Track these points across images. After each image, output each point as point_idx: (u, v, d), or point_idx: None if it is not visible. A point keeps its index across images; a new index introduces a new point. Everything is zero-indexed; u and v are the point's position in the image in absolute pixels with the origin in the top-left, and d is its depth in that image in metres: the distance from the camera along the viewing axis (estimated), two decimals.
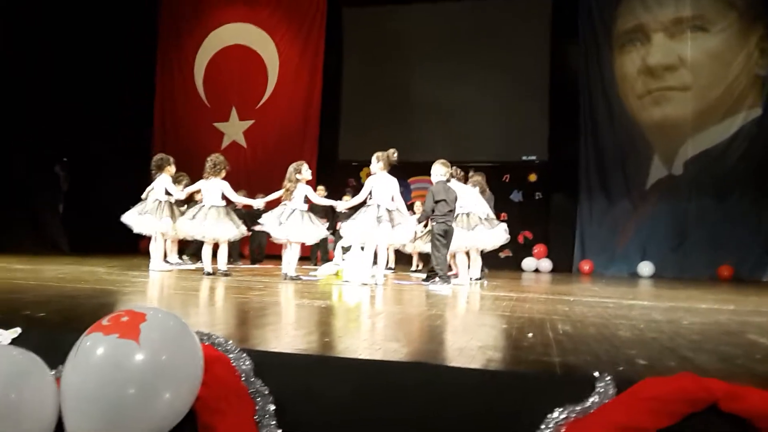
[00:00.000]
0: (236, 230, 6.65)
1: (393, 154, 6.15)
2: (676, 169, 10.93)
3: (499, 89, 12.00)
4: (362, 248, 6.15)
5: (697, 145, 10.83)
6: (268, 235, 6.84)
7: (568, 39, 11.72)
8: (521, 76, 11.97)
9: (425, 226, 7.94)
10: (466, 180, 7.26)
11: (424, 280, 6.50)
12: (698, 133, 10.84)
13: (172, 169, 7.31)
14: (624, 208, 11.21)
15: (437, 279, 6.07)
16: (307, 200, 6.56)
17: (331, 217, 9.18)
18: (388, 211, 6.00)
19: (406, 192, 11.41)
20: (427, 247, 8.38)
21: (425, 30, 12.54)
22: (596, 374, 1.79)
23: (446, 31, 12.40)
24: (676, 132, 10.95)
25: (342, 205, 7.03)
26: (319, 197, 6.83)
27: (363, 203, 6.22)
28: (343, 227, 6.38)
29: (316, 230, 6.45)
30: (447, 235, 6.10)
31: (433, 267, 6.19)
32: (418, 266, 9.00)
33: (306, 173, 6.44)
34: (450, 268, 7.91)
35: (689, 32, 10.86)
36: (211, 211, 6.52)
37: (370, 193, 6.15)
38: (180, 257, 8.55)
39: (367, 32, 13.20)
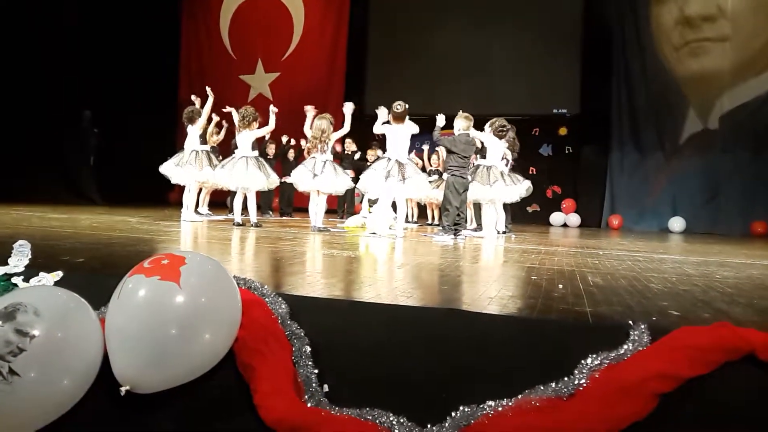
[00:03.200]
0: (265, 180, 6.71)
1: (395, 105, 6.08)
2: (712, 122, 10.63)
3: (530, 41, 11.69)
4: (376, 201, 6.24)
5: (734, 99, 10.49)
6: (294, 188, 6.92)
7: None
8: (552, 26, 11.64)
9: (440, 176, 7.96)
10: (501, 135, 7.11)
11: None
12: (736, 86, 10.49)
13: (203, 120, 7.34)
14: (656, 162, 10.99)
15: (441, 229, 6.14)
16: (333, 151, 6.62)
17: (360, 168, 9.20)
18: (399, 164, 5.98)
19: (433, 147, 11.34)
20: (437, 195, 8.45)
21: None
22: (630, 322, 1.79)
23: None
24: (713, 85, 10.61)
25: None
26: (340, 133, 6.86)
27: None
28: (360, 180, 6.41)
29: (345, 180, 6.57)
30: (460, 187, 6.08)
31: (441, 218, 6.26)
32: (434, 218, 9.08)
33: (333, 126, 6.52)
34: (471, 221, 7.94)
35: None
36: (241, 161, 6.60)
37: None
38: (210, 211, 8.65)
39: None
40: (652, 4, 11.07)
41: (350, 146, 9.85)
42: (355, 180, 7.09)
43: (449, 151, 6.15)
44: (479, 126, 6.82)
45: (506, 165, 7.08)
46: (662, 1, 10.99)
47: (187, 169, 7.00)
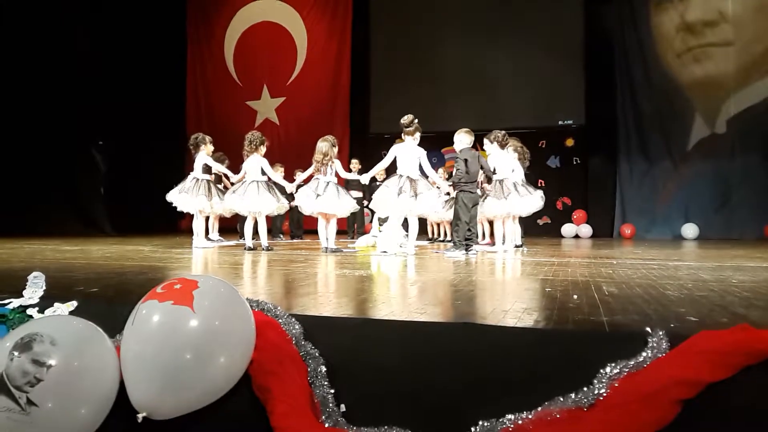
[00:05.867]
0: (276, 204, 6.75)
1: (402, 119, 6.13)
2: (719, 127, 10.60)
3: (532, 53, 11.74)
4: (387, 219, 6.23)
5: (741, 102, 10.48)
6: None
7: None
8: (554, 38, 11.70)
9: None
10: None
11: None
12: (741, 89, 10.48)
13: (209, 147, 7.42)
14: (665, 169, 10.95)
15: (452, 245, 6.13)
16: (336, 174, 6.64)
17: (367, 189, 9.21)
18: (411, 180, 5.98)
19: (440, 162, 11.37)
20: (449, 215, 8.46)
21: None
22: (648, 329, 1.77)
23: None
24: (718, 89, 10.60)
25: (365, 177, 6.80)
26: (346, 172, 6.89)
27: (391, 172, 6.29)
28: (373, 199, 6.41)
29: (349, 202, 6.53)
30: (469, 202, 6.07)
31: (455, 235, 6.23)
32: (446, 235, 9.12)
33: (336, 148, 6.53)
34: (483, 236, 7.92)
35: None
36: (252, 185, 6.65)
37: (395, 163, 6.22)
38: (221, 236, 8.70)
39: (395, 2, 13.05)
40: (652, 13, 11.12)
41: (356, 166, 9.89)
42: (363, 200, 7.12)
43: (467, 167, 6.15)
44: (480, 139, 6.87)
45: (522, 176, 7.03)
46: (662, 9, 11.04)
47: (183, 197, 7.10)
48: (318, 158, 6.41)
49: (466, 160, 6.06)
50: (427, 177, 6.14)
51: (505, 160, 6.87)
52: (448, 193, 7.47)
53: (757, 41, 10.32)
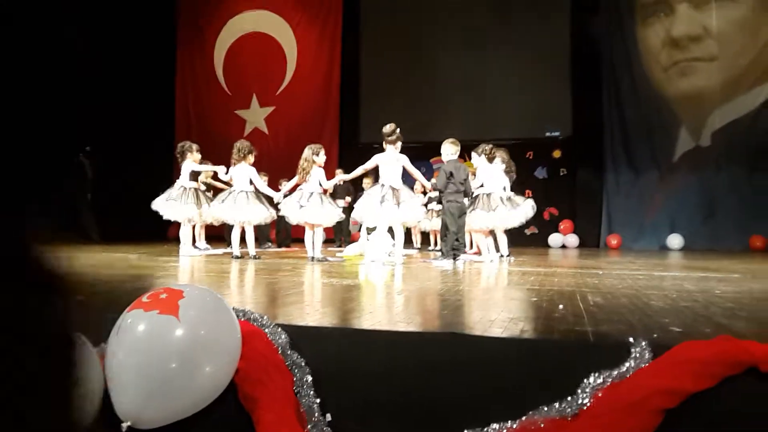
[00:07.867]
0: (266, 213, 6.76)
1: (384, 128, 6.15)
2: (704, 140, 10.73)
3: (520, 65, 11.84)
4: (372, 228, 6.26)
5: (725, 116, 10.61)
6: None
7: (589, 11, 11.50)
8: (542, 50, 11.79)
9: (439, 202, 8.00)
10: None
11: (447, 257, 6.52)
12: (726, 103, 10.61)
13: (196, 155, 7.40)
14: (651, 181, 11.06)
15: (440, 254, 6.14)
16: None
17: (354, 196, 9.24)
18: (393, 189, 6.00)
19: (428, 172, 11.40)
20: (425, 225, 8.52)
21: (443, 8, 12.41)
22: (631, 339, 1.79)
23: (465, 7, 12.25)
24: (704, 103, 10.73)
25: (348, 176, 6.87)
26: (328, 181, 6.86)
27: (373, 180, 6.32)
28: (355, 208, 6.43)
29: (333, 212, 6.51)
30: (456, 212, 6.10)
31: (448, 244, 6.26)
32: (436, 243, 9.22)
33: (322, 158, 6.49)
34: (471, 246, 7.95)
35: (714, 2, 10.61)
36: (241, 195, 6.65)
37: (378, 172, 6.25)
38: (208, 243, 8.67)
39: (384, 13, 13.12)
40: (638, 26, 11.26)
41: (340, 174, 9.91)
42: (351, 208, 7.12)
43: (449, 178, 6.18)
44: (467, 150, 6.91)
45: (504, 189, 7.07)
46: (648, 24, 11.17)
47: (170, 204, 7.07)
48: (300, 163, 6.42)
49: (450, 173, 6.10)
50: (413, 183, 6.17)
51: (492, 173, 6.91)
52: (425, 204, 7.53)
53: (740, 56, 10.48)
